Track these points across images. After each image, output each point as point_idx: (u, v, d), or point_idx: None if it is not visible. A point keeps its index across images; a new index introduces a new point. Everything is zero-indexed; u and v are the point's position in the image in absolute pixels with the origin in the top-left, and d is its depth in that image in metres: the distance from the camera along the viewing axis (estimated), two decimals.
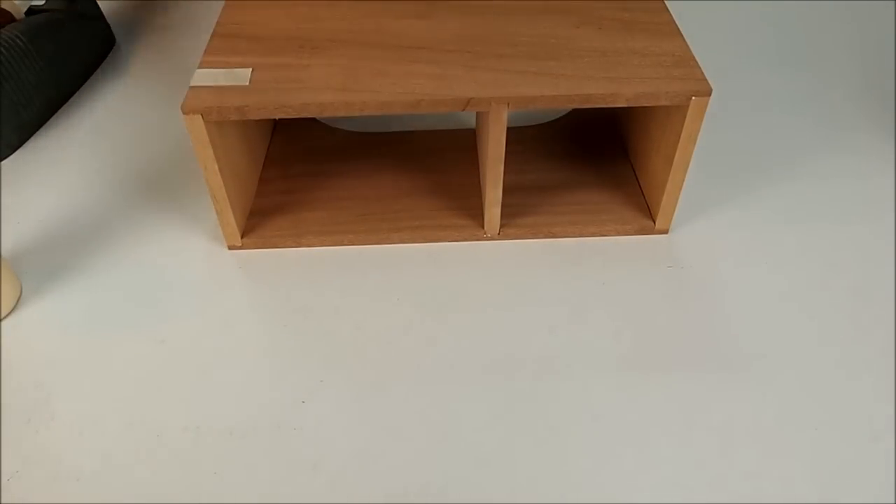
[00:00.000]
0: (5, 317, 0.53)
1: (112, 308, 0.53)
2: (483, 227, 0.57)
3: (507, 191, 0.55)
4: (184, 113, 0.48)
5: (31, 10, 0.70)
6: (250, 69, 0.51)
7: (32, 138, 0.69)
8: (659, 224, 0.57)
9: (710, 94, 0.49)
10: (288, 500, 0.43)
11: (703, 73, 0.50)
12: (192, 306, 0.53)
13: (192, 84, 0.50)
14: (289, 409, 0.47)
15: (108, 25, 0.80)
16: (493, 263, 0.56)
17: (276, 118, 0.59)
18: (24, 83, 0.66)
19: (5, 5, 0.68)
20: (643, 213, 0.58)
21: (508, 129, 0.50)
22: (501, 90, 0.49)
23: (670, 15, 0.55)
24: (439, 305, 0.53)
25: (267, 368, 0.49)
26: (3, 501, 0.43)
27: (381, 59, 0.52)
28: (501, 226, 0.57)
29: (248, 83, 0.50)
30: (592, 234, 0.58)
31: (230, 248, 0.57)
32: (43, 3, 0.71)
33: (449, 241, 0.58)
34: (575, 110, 0.68)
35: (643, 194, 0.60)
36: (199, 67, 0.52)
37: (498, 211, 0.56)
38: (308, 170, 0.63)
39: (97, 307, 0.53)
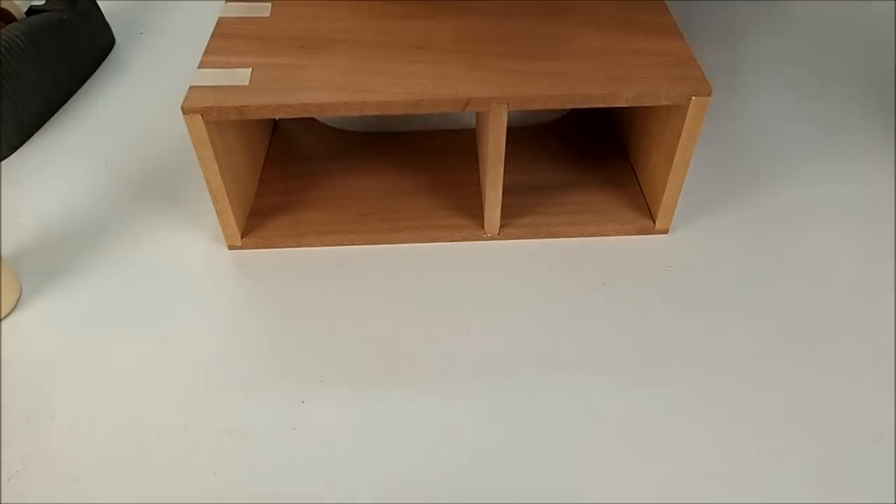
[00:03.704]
0: (5, 317, 0.53)
1: (112, 308, 0.53)
2: (483, 227, 0.57)
3: (507, 191, 0.55)
4: (184, 113, 0.48)
5: (31, 10, 0.70)
6: (250, 69, 0.51)
7: (32, 138, 0.69)
8: (659, 224, 0.57)
9: (710, 94, 0.49)
10: (288, 500, 0.43)
11: (703, 73, 0.50)
12: (192, 306, 0.53)
13: (192, 84, 0.50)
14: (289, 409, 0.47)
15: (108, 25, 0.80)
16: (493, 263, 0.56)
17: (276, 118, 0.59)
18: (24, 83, 0.66)
19: (5, 5, 0.68)
20: (643, 213, 0.58)
21: (508, 129, 0.50)
22: (501, 90, 0.49)
23: (670, 15, 0.55)
24: (439, 305, 0.53)
25: (267, 368, 0.49)
26: (3, 501, 0.43)
27: (381, 58, 0.52)
28: (501, 226, 0.57)
29: (248, 83, 0.50)
30: (592, 234, 0.58)
31: (230, 248, 0.57)
32: (43, 3, 0.71)
33: (449, 241, 0.58)
34: (575, 110, 0.68)
35: (643, 194, 0.60)
36: (199, 67, 0.52)
37: (498, 211, 0.56)
38: (308, 170, 0.63)
39: (97, 307, 0.53)
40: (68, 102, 0.73)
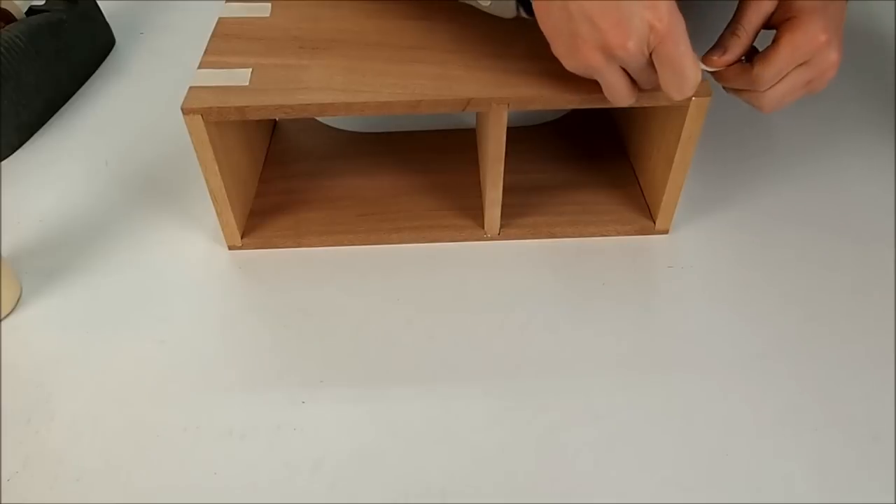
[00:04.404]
0: (5, 317, 0.53)
1: (112, 308, 0.53)
2: (483, 227, 0.57)
3: (507, 191, 0.55)
4: (184, 113, 0.48)
5: (32, 10, 0.70)
6: (250, 69, 0.51)
7: (32, 138, 0.69)
8: (659, 224, 0.57)
9: (710, 95, 0.49)
10: (288, 500, 0.43)
11: (703, 73, 0.50)
12: (193, 306, 0.53)
13: (192, 84, 0.50)
14: (289, 409, 0.47)
15: (108, 25, 0.80)
16: (493, 263, 0.56)
17: (277, 118, 0.59)
18: (24, 83, 0.66)
19: (5, 5, 0.68)
20: (643, 214, 0.58)
21: (508, 129, 0.50)
22: (501, 90, 0.49)
23: None
24: (439, 305, 0.53)
25: (267, 368, 0.49)
26: (3, 501, 0.43)
27: (381, 59, 0.52)
28: (501, 226, 0.57)
29: (248, 83, 0.50)
30: (592, 235, 0.58)
31: (230, 248, 0.57)
32: (43, 3, 0.71)
33: (449, 242, 0.58)
34: (575, 110, 0.68)
35: (643, 194, 0.60)
36: (199, 67, 0.52)
37: (498, 211, 0.56)
38: (308, 170, 0.63)
39: (97, 307, 0.53)
40: (68, 102, 0.73)
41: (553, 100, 0.49)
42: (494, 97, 0.49)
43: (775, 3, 0.47)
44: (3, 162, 0.66)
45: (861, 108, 0.70)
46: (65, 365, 0.50)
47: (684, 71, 0.43)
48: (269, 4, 0.58)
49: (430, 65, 0.51)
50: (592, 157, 0.64)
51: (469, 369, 0.49)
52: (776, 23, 0.47)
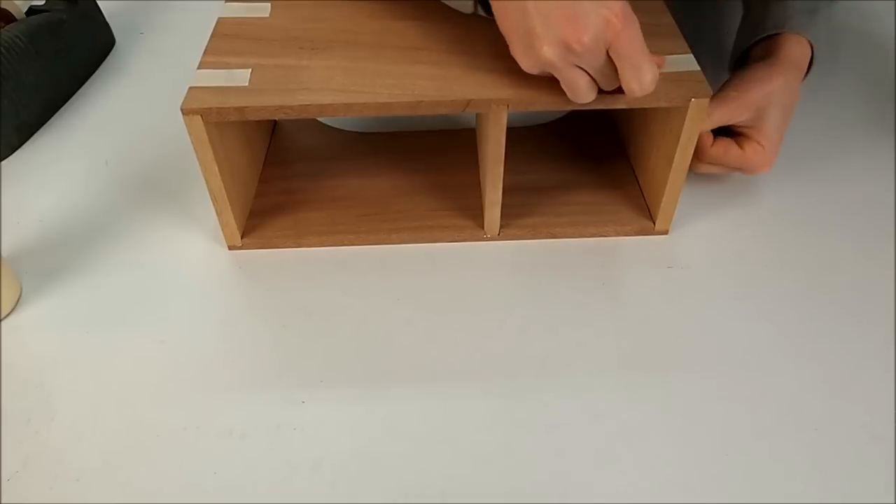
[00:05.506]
0: (5, 317, 0.53)
1: (112, 308, 0.53)
2: (483, 227, 0.57)
3: (507, 191, 0.55)
4: (183, 113, 0.48)
5: (31, 10, 0.70)
6: (250, 70, 0.51)
7: (32, 138, 0.69)
8: (659, 225, 0.57)
9: (709, 97, 0.49)
10: (288, 500, 0.43)
11: (703, 74, 0.50)
12: (193, 306, 0.53)
13: (192, 84, 0.50)
14: (289, 409, 0.47)
15: (108, 25, 0.80)
16: (493, 264, 0.56)
17: (276, 118, 0.59)
18: (24, 83, 0.66)
19: (5, 5, 0.68)
20: (643, 214, 0.58)
21: (508, 129, 0.50)
22: (501, 91, 0.49)
23: (670, 16, 0.55)
24: (439, 305, 0.53)
25: (267, 368, 0.49)
26: (3, 501, 0.43)
27: (381, 59, 0.52)
28: (501, 226, 0.57)
29: (247, 84, 0.50)
30: (592, 235, 0.58)
31: (230, 248, 0.58)
32: (43, 3, 0.71)
33: (449, 242, 0.58)
34: (575, 111, 0.68)
35: (643, 195, 0.60)
36: (199, 68, 0.52)
37: (498, 212, 0.56)
38: (308, 170, 0.63)
39: (97, 307, 0.53)
40: (68, 102, 0.73)
41: (553, 101, 0.49)
42: (494, 98, 0.49)
43: (743, 118, 0.55)
44: (3, 162, 0.66)
45: (861, 108, 0.70)
46: (65, 365, 0.50)
47: (641, 65, 0.44)
48: (268, 4, 0.58)
49: (429, 65, 0.51)
50: (592, 157, 0.64)
51: (469, 369, 0.49)
52: (745, 133, 0.56)
